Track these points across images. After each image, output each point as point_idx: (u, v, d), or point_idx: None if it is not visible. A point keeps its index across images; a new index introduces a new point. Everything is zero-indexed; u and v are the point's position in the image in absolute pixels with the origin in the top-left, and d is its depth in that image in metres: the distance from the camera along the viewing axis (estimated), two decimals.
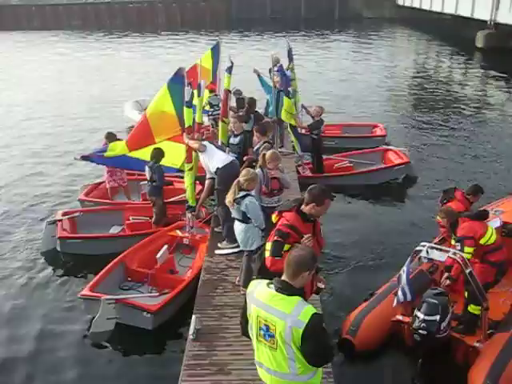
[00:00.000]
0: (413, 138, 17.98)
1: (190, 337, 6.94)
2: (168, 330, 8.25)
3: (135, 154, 10.30)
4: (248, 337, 4.64)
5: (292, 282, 4.25)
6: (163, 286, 8.74)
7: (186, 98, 9.17)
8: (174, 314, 8.44)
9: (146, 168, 10.43)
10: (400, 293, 7.30)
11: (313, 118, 13.76)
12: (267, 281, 4.41)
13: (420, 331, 6.64)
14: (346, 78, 27.18)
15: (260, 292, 4.34)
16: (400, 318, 7.61)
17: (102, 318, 8.04)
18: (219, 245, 9.31)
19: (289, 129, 13.53)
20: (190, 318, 7.34)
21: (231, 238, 8.83)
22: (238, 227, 7.74)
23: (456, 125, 19.31)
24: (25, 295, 9.53)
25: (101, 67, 31.89)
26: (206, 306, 7.70)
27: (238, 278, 8.07)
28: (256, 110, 13.08)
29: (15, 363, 7.82)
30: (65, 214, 11.10)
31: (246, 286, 7.82)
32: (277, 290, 4.23)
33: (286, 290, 4.22)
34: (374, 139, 16.36)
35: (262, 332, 4.31)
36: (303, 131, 14.17)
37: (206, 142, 9.41)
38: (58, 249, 10.54)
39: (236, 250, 8.80)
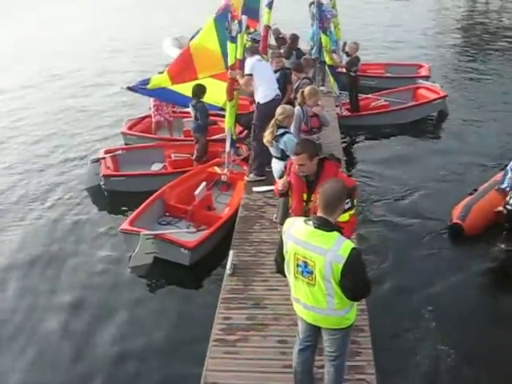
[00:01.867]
0: (455, 79, 17.39)
1: (227, 272, 6.87)
2: (205, 265, 8.22)
3: (178, 89, 10.08)
4: (283, 274, 4.52)
5: (329, 218, 4.09)
6: (201, 223, 8.68)
7: (232, 34, 8.84)
8: (210, 250, 8.37)
9: (190, 106, 10.22)
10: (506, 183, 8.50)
11: (348, 55, 13.24)
12: (303, 218, 4.27)
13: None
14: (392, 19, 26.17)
15: (297, 229, 4.19)
16: (501, 208, 8.49)
17: (141, 252, 8.06)
18: (246, 178, 9.26)
19: (326, 67, 13.10)
20: (227, 254, 7.28)
21: (259, 172, 8.96)
22: (277, 165, 7.53)
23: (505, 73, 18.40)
24: (69, 231, 9.60)
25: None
26: (243, 242, 7.60)
27: (275, 216, 7.91)
28: (298, 47, 12.67)
29: (60, 296, 7.92)
30: (107, 151, 11.08)
31: (282, 223, 7.72)
32: (315, 227, 4.07)
33: (324, 225, 4.06)
34: (418, 80, 15.70)
35: (299, 269, 4.19)
36: (341, 70, 13.69)
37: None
38: (102, 186, 10.59)
39: (274, 187, 8.61)
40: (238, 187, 9.51)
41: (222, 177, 9.86)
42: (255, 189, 8.95)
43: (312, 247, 4.05)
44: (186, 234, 8.35)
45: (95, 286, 8.07)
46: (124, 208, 10.05)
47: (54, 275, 8.35)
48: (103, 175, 10.45)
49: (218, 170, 10.06)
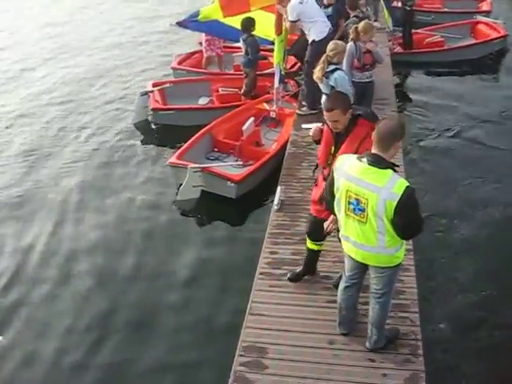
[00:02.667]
0: None
1: (275, 207, 6.87)
2: (251, 200, 8.26)
3: (229, 22, 9.83)
4: (332, 212, 4.47)
5: (384, 155, 3.96)
6: (248, 158, 8.66)
7: None
8: (257, 185, 8.38)
9: (241, 40, 10.04)
10: None
11: None
12: (357, 155, 4.16)
13: None
14: None
15: (351, 166, 4.08)
16: None
17: (188, 186, 8.13)
18: (297, 111, 9.15)
19: (382, 1, 12.56)
20: (273, 189, 7.27)
21: (312, 107, 8.84)
22: None
23: None
24: (117, 164, 9.75)
25: None
26: (291, 178, 7.55)
27: None
28: None
29: (108, 229, 8.12)
30: (155, 85, 11.06)
31: None
32: (369, 164, 3.95)
33: (379, 163, 3.94)
34: (477, 15, 14.89)
35: (351, 206, 4.11)
36: (397, 4, 13.11)
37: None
38: (150, 120, 10.61)
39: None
40: (286, 124, 9.39)
41: (271, 113, 9.73)
42: (304, 125, 8.80)
43: (365, 184, 3.95)
44: (233, 168, 8.38)
45: (143, 219, 8.22)
46: (172, 142, 10.09)
47: (103, 208, 8.54)
48: (152, 109, 10.49)
49: (266, 106, 9.93)
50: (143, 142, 10.42)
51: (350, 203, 4.11)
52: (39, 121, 11.45)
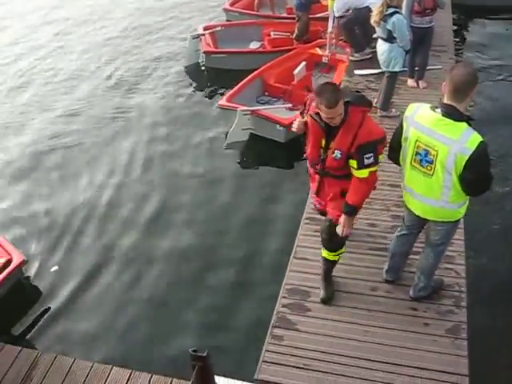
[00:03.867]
0: None
1: None
2: (300, 144, 8.06)
3: None
4: (394, 161, 4.30)
5: (459, 106, 3.71)
6: (298, 103, 8.46)
7: None
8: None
9: None
10: None
11: None
12: (429, 104, 3.92)
13: None
14: None
15: (423, 115, 3.87)
16: None
17: (238, 128, 8.08)
18: (350, 57, 8.95)
19: None
20: None
21: (359, 50, 8.73)
22: (382, 46, 7.09)
23: None
24: (168, 106, 9.74)
25: None
26: None
27: (376, 100, 7.58)
28: None
29: (154, 169, 8.21)
30: (206, 28, 10.89)
31: (383, 108, 7.47)
32: (442, 115, 3.73)
33: (454, 114, 3.70)
34: None
35: (418, 157, 3.94)
36: None
37: None
38: (201, 63, 10.51)
39: (377, 71, 8.21)
40: (338, 70, 9.12)
41: (323, 58, 9.45)
42: (357, 71, 8.56)
43: (438, 136, 3.75)
44: (283, 112, 8.23)
45: (190, 161, 8.26)
46: (222, 85, 9.99)
47: (153, 150, 8.62)
48: (204, 52, 10.39)
49: (319, 51, 9.64)
50: (194, 85, 10.36)
51: (417, 154, 3.93)
52: (92, 63, 11.50)
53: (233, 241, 6.71)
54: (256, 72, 9.09)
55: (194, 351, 3.68)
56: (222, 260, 6.44)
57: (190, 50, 10.76)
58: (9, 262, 5.82)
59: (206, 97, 9.95)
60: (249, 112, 7.97)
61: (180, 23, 13.09)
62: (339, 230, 4.25)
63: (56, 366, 4.53)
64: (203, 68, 10.64)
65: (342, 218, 4.21)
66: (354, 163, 3.96)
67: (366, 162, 3.90)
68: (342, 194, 4.20)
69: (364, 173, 3.96)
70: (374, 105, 7.52)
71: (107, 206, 7.42)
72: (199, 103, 9.75)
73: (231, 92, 8.55)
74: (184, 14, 13.53)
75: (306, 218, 5.79)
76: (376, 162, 3.97)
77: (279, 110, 8.32)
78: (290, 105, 8.42)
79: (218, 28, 10.98)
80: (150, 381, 4.29)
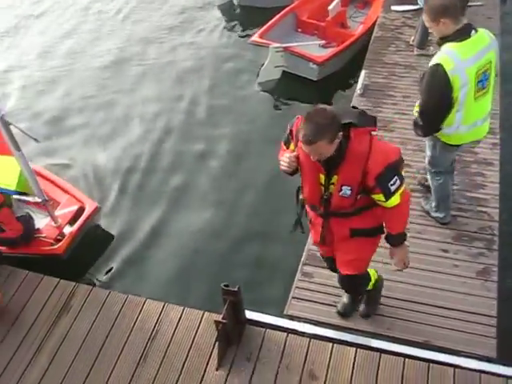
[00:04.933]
0: None
1: (357, 91, 6.59)
2: (333, 83, 7.93)
3: None
4: (438, 126, 4.07)
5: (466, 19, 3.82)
6: (332, 39, 8.24)
7: None
8: (340, 68, 8.02)
9: None
10: None
11: None
12: (453, 43, 3.76)
13: None
14: None
15: (463, 52, 3.75)
16: None
17: (270, 65, 7.89)
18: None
19: None
20: (357, 73, 6.97)
21: None
22: None
23: None
24: (201, 43, 9.56)
25: None
26: (376, 62, 7.14)
27: (412, 38, 7.29)
28: None
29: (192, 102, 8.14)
30: None
31: (420, 46, 7.17)
32: (471, 34, 3.79)
33: (473, 27, 3.84)
34: None
35: (480, 84, 3.91)
36: None
37: None
38: (234, 1, 10.19)
39: (415, 7, 7.86)
40: (375, 5, 8.74)
41: None
42: (394, 7, 8.19)
43: (484, 50, 3.84)
44: (316, 49, 8.01)
45: (223, 96, 8.13)
46: (254, 23, 9.62)
47: (186, 84, 8.51)
48: None
49: None
50: (226, 22, 10.05)
51: (479, 82, 3.90)
52: None
53: (267, 178, 6.59)
54: (289, 7, 8.77)
55: (225, 286, 3.73)
56: (256, 202, 6.39)
57: None
58: (81, 209, 5.80)
59: (237, 34, 9.68)
60: (281, 49, 7.73)
61: None
62: (399, 265, 3.57)
63: (92, 297, 4.64)
64: (236, 5, 10.30)
65: (395, 253, 3.53)
66: (379, 197, 3.14)
67: (393, 188, 3.10)
68: (352, 234, 3.42)
69: (395, 200, 3.17)
70: (410, 43, 7.28)
71: (164, 154, 7.34)
72: (231, 40, 9.53)
73: (264, 28, 8.27)
74: None
75: None
76: (402, 182, 3.15)
77: (313, 47, 8.07)
78: (323, 41, 8.17)
79: None
80: (182, 313, 4.37)
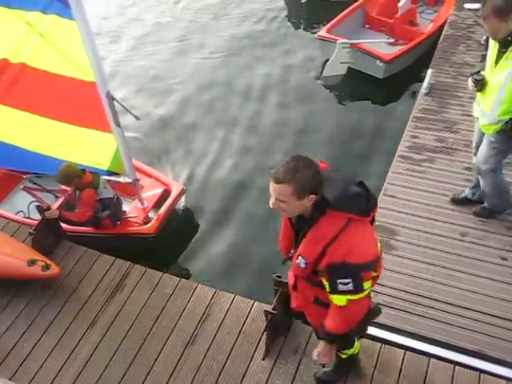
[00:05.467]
0: None
1: (423, 91, 6.42)
2: (398, 81, 7.75)
3: None
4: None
5: None
6: (401, 37, 8.03)
7: None
8: (407, 66, 7.83)
9: None
10: None
11: None
12: None
13: None
14: None
15: None
16: None
17: (336, 61, 7.78)
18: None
19: None
20: (423, 72, 6.80)
21: None
22: None
23: None
24: (267, 34, 9.52)
25: None
26: (444, 62, 6.93)
27: (484, 37, 6.99)
28: None
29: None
30: None
31: None
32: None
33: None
34: None
35: None
36: None
37: None
38: None
39: None
40: (446, 2, 8.45)
41: None
42: (467, 5, 7.91)
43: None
44: (384, 47, 7.83)
45: (287, 92, 8.10)
46: (321, 17, 9.53)
47: (250, 74, 8.57)
48: None
49: None
50: (292, 13, 10.02)
51: None
52: None
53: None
54: (358, 2, 8.61)
55: (277, 277, 3.71)
56: None
57: None
58: (166, 191, 5.85)
59: (304, 27, 9.63)
60: (348, 45, 7.61)
61: None
62: (315, 355, 3.00)
63: (146, 278, 4.73)
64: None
65: (320, 344, 2.97)
66: (326, 284, 2.65)
67: (341, 288, 2.58)
68: (316, 301, 2.95)
69: (340, 300, 2.64)
70: (481, 43, 7.02)
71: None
72: (297, 33, 9.47)
73: (331, 23, 8.17)
74: None
75: (399, 156, 5.60)
76: (358, 291, 2.59)
77: (380, 45, 7.91)
78: (392, 40, 7.99)
79: None
80: (232, 301, 4.39)
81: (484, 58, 4.32)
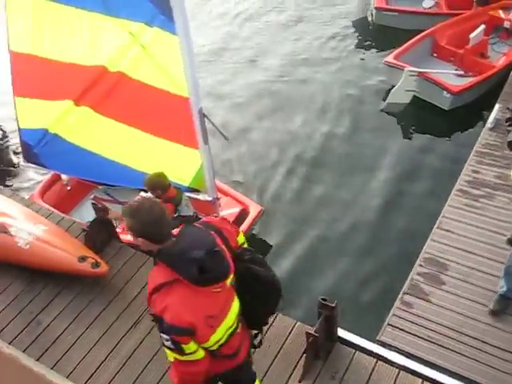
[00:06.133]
0: None
1: (488, 125, 6.27)
2: (464, 112, 7.58)
3: None
4: None
5: None
6: (470, 69, 7.85)
7: None
8: (474, 99, 7.64)
9: None
10: None
11: None
12: None
13: None
14: None
15: None
16: None
17: (401, 88, 7.67)
18: None
19: None
20: (491, 106, 6.60)
21: None
22: None
23: None
24: (333, 56, 9.54)
25: None
26: None
27: None
28: None
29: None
30: None
31: None
32: None
33: None
34: None
35: None
36: None
37: None
38: (370, 19, 10.06)
39: None
40: None
41: (505, 23, 8.54)
42: None
43: None
44: (452, 78, 7.68)
45: (349, 113, 8.10)
46: (388, 44, 9.40)
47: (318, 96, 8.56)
48: (376, 7, 9.78)
49: (502, 14, 8.69)
50: (360, 40, 9.94)
51: None
52: None
53: (376, 200, 6.54)
54: (428, 30, 8.46)
55: (323, 299, 3.65)
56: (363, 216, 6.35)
57: (359, 4, 10.34)
58: (243, 211, 5.72)
59: (370, 53, 9.56)
60: (416, 73, 7.49)
61: None
62: None
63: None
64: (371, 24, 10.17)
65: None
66: None
67: (165, 343, 2.46)
68: None
69: (169, 355, 2.53)
70: None
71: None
72: (363, 58, 9.42)
73: (400, 49, 8.08)
74: None
75: (457, 190, 5.48)
76: (179, 351, 2.45)
77: (448, 75, 7.75)
78: (461, 72, 7.82)
79: None
80: (274, 319, 4.32)
81: None
